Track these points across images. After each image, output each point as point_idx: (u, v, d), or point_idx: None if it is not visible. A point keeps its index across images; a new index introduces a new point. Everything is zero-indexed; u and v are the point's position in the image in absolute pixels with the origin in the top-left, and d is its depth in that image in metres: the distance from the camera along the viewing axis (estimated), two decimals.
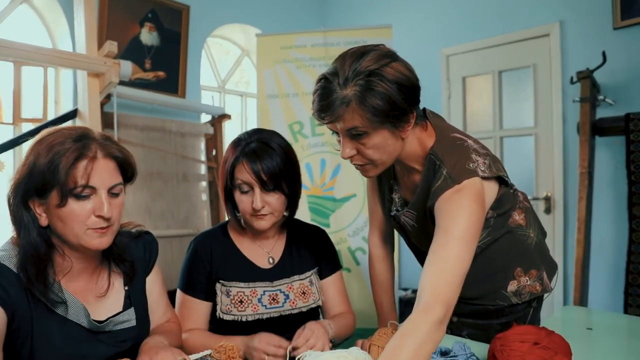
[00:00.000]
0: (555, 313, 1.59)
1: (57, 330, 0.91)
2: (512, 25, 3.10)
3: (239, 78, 4.15)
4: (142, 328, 1.05)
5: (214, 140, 3.29)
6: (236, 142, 1.23)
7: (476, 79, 3.34)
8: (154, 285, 1.12)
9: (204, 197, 3.24)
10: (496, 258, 1.17)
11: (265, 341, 1.08)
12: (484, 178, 1.02)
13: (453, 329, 1.27)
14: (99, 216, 0.89)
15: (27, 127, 2.81)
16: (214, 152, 3.28)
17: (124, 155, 0.94)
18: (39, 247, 0.88)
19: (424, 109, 1.13)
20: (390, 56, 0.97)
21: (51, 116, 2.90)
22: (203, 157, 3.22)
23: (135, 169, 0.98)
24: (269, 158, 1.17)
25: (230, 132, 3.81)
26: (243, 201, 1.20)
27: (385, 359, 0.80)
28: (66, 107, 2.94)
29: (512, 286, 1.20)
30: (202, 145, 3.23)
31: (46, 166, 0.85)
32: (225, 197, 1.25)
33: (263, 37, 2.93)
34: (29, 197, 0.88)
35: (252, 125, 4.10)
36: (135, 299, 1.05)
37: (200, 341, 1.16)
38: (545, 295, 1.25)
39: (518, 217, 1.19)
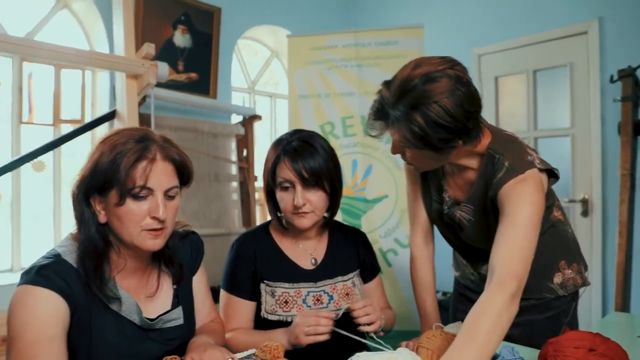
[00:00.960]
0: (601, 319, 1.55)
1: (111, 326, 0.93)
2: (547, 24, 3.03)
3: (267, 79, 4.18)
4: (189, 327, 1.07)
5: (244, 141, 3.32)
6: (277, 142, 1.24)
7: (509, 79, 3.27)
8: (199, 285, 1.13)
9: (235, 197, 3.27)
10: (543, 251, 1.19)
11: (303, 315, 1.10)
12: (539, 170, 1.07)
13: None
14: (154, 217, 0.90)
15: (65, 128, 2.89)
16: (244, 153, 3.32)
17: (182, 159, 0.96)
18: (97, 242, 0.91)
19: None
20: (449, 91, 0.95)
21: (88, 117, 2.98)
22: (234, 158, 3.25)
23: (192, 172, 0.99)
24: (310, 156, 1.18)
25: (260, 133, 3.84)
26: (284, 199, 1.20)
27: (465, 334, 0.84)
28: (102, 109, 3.02)
29: (558, 278, 1.24)
30: (233, 146, 3.26)
31: (108, 165, 0.87)
32: (267, 196, 1.26)
33: (294, 38, 2.94)
34: (91, 194, 0.90)
35: (281, 125, 4.12)
36: (183, 298, 1.07)
37: (244, 339, 1.16)
38: (582, 290, 1.29)
39: (557, 213, 1.25)
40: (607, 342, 0.88)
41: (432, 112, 0.94)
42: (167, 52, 3.09)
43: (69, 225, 0.95)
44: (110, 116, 2.19)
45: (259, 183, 3.52)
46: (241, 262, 1.25)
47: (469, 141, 1.04)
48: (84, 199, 0.91)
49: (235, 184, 3.27)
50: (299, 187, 1.18)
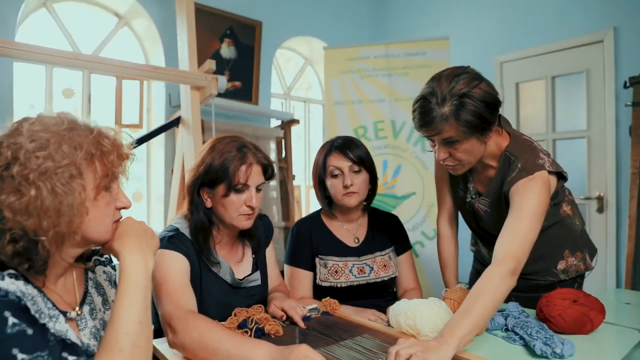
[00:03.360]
0: (605, 292, 1.79)
1: (213, 283, 1.25)
2: (565, 33, 3.24)
3: (300, 84, 4.51)
4: (265, 287, 1.39)
5: (283, 143, 3.65)
6: (325, 144, 1.60)
7: (529, 85, 3.50)
8: (270, 255, 1.46)
9: (275, 194, 3.60)
10: (549, 241, 1.40)
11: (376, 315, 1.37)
12: (549, 172, 1.25)
13: (508, 301, 1.51)
14: (248, 206, 1.23)
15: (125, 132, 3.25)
16: (283, 154, 3.64)
17: (268, 162, 1.28)
18: (204, 222, 1.24)
19: (499, 116, 1.37)
20: (478, 78, 1.19)
21: (145, 122, 3.36)
22: (274, 158, 3.57)
23: (274, 171, 1.31)
24: (355, 147, 1.54)
25: (296, 135, 4.16)
26: (335, 184, 1.54)
27: (469, 301, 1.05)
28: (157, 114, 3.39)
29: (561, 265, 1.44)
30: (273, 147, 3.59)
31: (219, 167, 1.20)
32: (318, 188, 1.59)
33: (330, 50, 3.24)
34: (202, 187, 1.23)
35: (315, 128, 4.45)
36: (260, 264, 1.39)
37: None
38: (587, 273, 1.48)
39: (566, 208, 1.43)
40: (588, 297, 1.16)
41: (478, 95, 1.15)
42: (215, 64, 3.43)
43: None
44: (176, 122, 2.54)
45: (297, 182, 3.85)
46: (301, 240, 1.58)
47: (497, 124, 1.26)
48: (196, 191, 1.23)
49: (274, 183, 3.60)
50: (346, 171, 1.51)
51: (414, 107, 1.24)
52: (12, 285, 0.68)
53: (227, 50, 3.55)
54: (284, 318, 1.23)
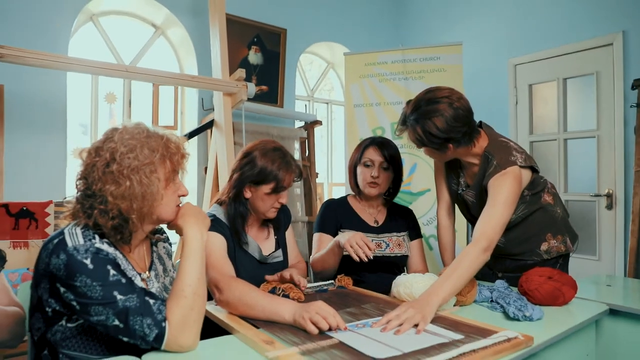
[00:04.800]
0: (592, 276, 1.97)
1: (244, 258, 1.51)
2: (576, 36, 3.38)
3: (322, 85, 4.75)
4: (286, 263, 1.66)
5: (306, 143, 3.89)
6: (364, 140, 1.87)
7: (542, 86, 3.64)
8: (289, 237, 1.72)
9: (298, 191, 3.85)
10: (533, 225, 1.63)
11: (358, 234, 1.53)
12: (521, 166, 1.48)
13: (496, 280, 1.72)
14: (280, 202, 1.51)
15: None
16: (307, 153, 3.89)
17: (300, 170, 1.55)
18: (244, 211, 1.51)
19: (480, 122, 1.61)
20: (440, 112, 1.41)
21: (179, 124, 3.66)
22: (298, 157, 3.82)
23: (302, 170, 1.56)
24: (390, 147, 1.81)
25: (319, 135, 4.40)
26: (364, 173, 1.81)
27: (447, 271, 1.28)
28: (190, 117, 3.69)
29: (544, 246, 1.65)
30: (297, 146, 3.84)
31: (270, 172, 1.45)
32: (351, 174, 1.86)
33: (350, 56, 3.46)
34: (247, 184, 1.48)
35: (338, 129, 4.68)
36: (281, 244, 1.66)
37: (322, 257, 1.68)
38: (571, 253, 1.69)
39: (547, 197, 1.65)
40: (563, 274, 1.36)
41: (427, 126, 1.42)
42: (244, 72, 3.70)
43: None
44: (209, 125, 2.81)
45: (320, 180, 4.09)
46: (329, 212, 1.85)
47: (459, 145, 1.49)
48: (241, 187, 1.48)
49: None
50: (377, 165, 1.78)
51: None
52: (109, 248, 0.95)
53: (254, 57, 3.82)
54: (305, 288, 1.48)
